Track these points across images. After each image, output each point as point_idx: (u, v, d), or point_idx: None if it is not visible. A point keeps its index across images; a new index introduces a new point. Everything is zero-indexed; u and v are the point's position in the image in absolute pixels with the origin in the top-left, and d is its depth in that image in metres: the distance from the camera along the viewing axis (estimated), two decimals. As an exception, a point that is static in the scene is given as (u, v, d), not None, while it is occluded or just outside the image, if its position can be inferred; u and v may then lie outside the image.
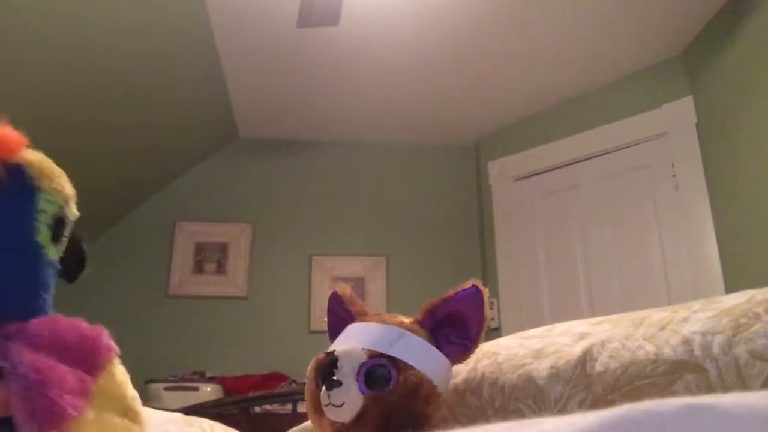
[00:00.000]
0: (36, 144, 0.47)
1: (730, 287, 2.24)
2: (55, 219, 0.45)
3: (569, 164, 3.00)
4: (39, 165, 0.44)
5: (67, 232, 0.46)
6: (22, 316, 0.42)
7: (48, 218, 0.44)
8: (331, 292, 0.85)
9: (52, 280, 0.45)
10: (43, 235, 0.44)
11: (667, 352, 0.62)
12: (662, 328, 0.65)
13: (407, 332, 0.73)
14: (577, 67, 2.79)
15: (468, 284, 0.76)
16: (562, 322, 0.81)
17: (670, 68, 2.71)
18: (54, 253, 0.45)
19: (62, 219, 0.45)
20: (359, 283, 3.20)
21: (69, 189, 0.46)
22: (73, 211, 0.46)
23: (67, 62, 2.20)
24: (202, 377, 2.75)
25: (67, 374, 0.41)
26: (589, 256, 2.85)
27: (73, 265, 0.48)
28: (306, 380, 0.76)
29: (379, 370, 0.69)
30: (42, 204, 0.43)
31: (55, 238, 0.45)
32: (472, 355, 0.77)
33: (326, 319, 0.85)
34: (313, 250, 3.28)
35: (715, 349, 0.59)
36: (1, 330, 0.41)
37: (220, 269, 3.22)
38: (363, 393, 0.68)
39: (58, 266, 0.46)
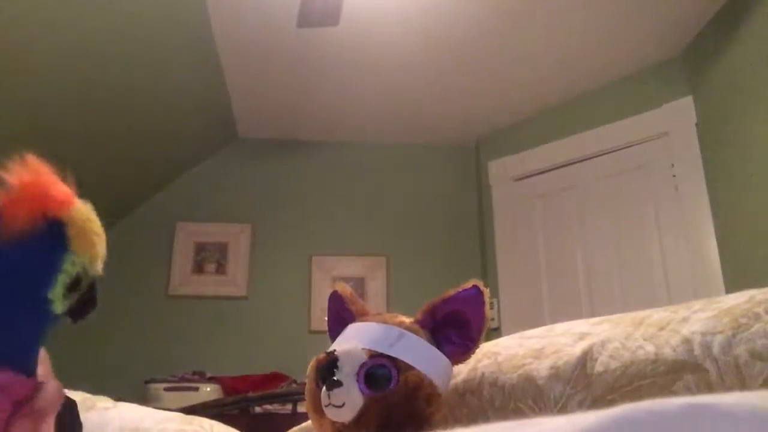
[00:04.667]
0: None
1: (730, 287, 2.24)
2: (74, 278, 0.46)
3: (569, 164, 3.00)
4: (80, 225, 0.45)
5: (82, 287, 0.47)
6: (17, 367, 0.43)
7: (67, 277, 0.45)
8: (331, 291, 0.85)
9: (49, 331, 0.46)
10: (57, 292, 0.45)
11: (667, 352, 0.62)
12: (662, 328, 0.65)
13: (408, 332, 0.73)
14: (577, 67, 2.79)
15: (468, 284, 0.76)
16: (562, 322, 0.81)
17: (670, 68, 2.71)
18: (61, 307, 0.46)
19: (80, 278, 0.46)
20: (359, 283, 3.20)
21: (101, 250, 0.47)
22: (97, 270, 0.47)
23: (66, 63, 2.20)
24: (202, 377, 2.75)
25: None
26: (589, 256, 2.85)
27: (81, 307, 0.48)
28: (306, 380, 0.76)
29: (379, 371, 0.69)
30: (66, 265, 0.45)
31: (68, 293, 0.46)
32: (472, 355, 0.77)
33: (326, 319, 0.85)
34: (313, 250, 3.27)
35: (715, 349, 0.59)
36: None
37: (220, 269, 3.22)
38: (363, 393, 0.68)
39: (61, 317, 0.47)
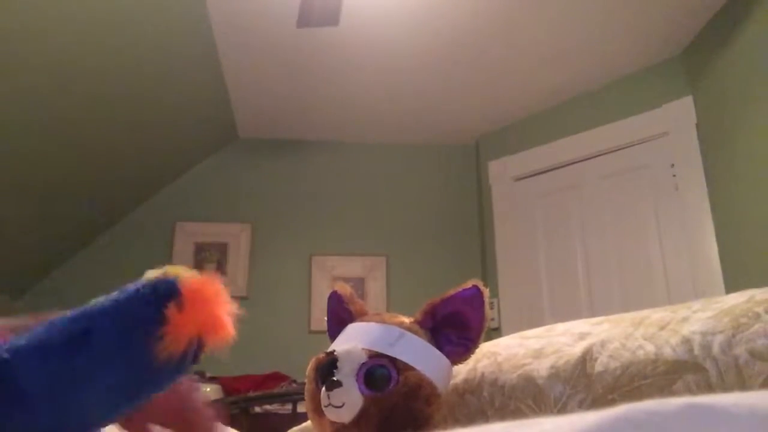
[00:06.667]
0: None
1: (730, 287, 2.24)
2: None
3: (569, 164, 3.00)
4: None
5: None
6: None
7: None
8: (330, 291, 0.85)
9: None
10: None
11: (667, 352, 0.62)
12: (662, 328, 0.65)
13: (407, 332, 0.73)
14: (576, 67, 2.79)
15: (468, 284, 0.76)
16: (562, 322, 0.81)
17: (670, 68, 2.71)
18: None
19: None
20: (359, 283, 3.20)
21: None
22: None
23: (66, 62, 2.19)
24: (202, 377, 2.75)
25: None
26: (589, 256, 2.85)
27: None
28: (306, 380, 0.76)
29: (379, 371, 0.69)
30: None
31: None
32: (472, 355, 0.77)
33: (326, 319, 0.84)
34: (313, 250, 3.27)
35: (715, 349, 0.59)
36: None
37: (220, 269, 3.22)
38: (363, 393, 0.68)
39: None
